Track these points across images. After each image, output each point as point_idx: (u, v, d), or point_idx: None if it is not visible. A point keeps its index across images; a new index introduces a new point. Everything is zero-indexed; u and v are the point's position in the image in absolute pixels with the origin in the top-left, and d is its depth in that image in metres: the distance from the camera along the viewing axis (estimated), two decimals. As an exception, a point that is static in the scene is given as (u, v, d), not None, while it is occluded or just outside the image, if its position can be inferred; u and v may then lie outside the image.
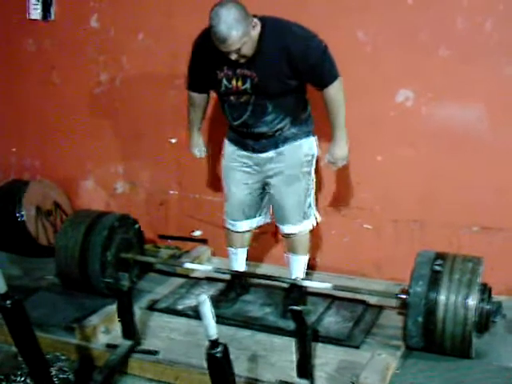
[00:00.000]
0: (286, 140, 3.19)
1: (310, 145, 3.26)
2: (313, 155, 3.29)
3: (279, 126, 3.14)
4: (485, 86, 3.50)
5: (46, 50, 4.65)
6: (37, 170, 4.94)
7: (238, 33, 2.75)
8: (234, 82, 3.03)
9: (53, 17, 4.54)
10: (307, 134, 3.25)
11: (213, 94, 3.31)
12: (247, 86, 3.01)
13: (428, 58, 3.56)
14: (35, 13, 4.55)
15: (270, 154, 3.21)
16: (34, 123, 4.85)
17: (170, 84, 4.12)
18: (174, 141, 4.34)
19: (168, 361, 2.94)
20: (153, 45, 4.25)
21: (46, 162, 4.91)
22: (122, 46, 4.39)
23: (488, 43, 3.43)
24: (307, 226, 3.39)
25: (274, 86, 3.00)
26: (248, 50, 2.87)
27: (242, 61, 2.93)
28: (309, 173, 3.30)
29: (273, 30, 2.93)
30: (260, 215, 3.50)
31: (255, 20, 2.87)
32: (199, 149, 3.57)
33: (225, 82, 3.05)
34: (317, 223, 3.45)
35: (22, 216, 4.34)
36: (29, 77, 4.77)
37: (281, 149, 3.20)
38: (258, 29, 2.89)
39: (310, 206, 3.36)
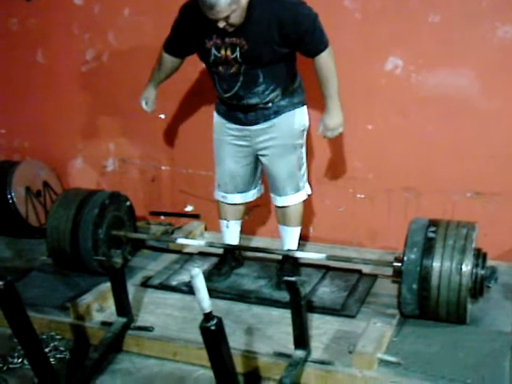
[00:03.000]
0: (276, 112, 3.15)
1: (301, 115, 3.23)
2: (305, 125, 3.26)
3: (270, 97, 3.10)
4: (476, 51, 3.46)
5: (30, 29, 4.60)
6: (26, 150, 4.91)
7: (226, 0, 2.70)
8: (222, 52, 2.98)
9: (35, -5, 4.48)
10: (298, 105, 3.21)
11: (203, 66, 3.26)
12: (236, 54, 2.95)
13: (417, 25, 3.52)
14: (18, -8, 4.49)
15: (261, 125, 3.18)
16: (21, 104, 4.81)
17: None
18: (163, 116, 4.30)
19: (166, 337, 2.93)
20: (139, 20, 4.20)
21: (34, 143, 4.88)
22: (107, 23, 4.33)
23: (478, 7, 3.39)
24: (301, 197, 3.38)
25: (263, 54, 2.95)
26: (237, 18, 2.80)
27: (231, 30, 2.86)
28: (301, 144, 3.28)
29: None
30: (255, 188, 3.49)
31: None
32: (147, 102, 3.51)
33: (214, 51, 3.00)
34: (309, 195, 3.44)
35: (12, 197, 4.31)
36: (14, 57, 4.72)
37: (272, 120, 3.16)
38: None
39: (303, 177, 3.35)
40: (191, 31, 3.06)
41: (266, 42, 2.92)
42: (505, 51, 3.40)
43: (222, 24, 2.80)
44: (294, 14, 2.87)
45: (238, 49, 2.94)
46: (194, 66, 3.58)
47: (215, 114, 3.36)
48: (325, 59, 2.99)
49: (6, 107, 4.87)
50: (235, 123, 3.24)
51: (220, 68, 3.06)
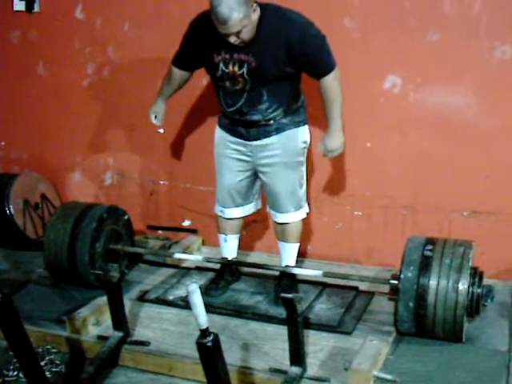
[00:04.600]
0: (278, 129, 3.17)
1: (303, 133, 3.25)
2: (306, 144, 3.27)
3: (273, 115, 3.12)
4: (474, 70, 3.49)
5: (31, 42, 4.62)
6: (25, 162, 4.91)
7: (239, 15, 2.71)
8: (230, 67, 3.00)
9: (38, 8, 4.50)
10: (300, 124, 3.22)
11: (203, 83, 3.28)
12: (244, 70, 2.97)
13: (416, 44, 3.54)
14: (20, 4, 4.50)
15: (262, 142, 3.19)
16: (21, 116, 4.81)
17: (157, 74, 4.07)
18: (162, 131, 4.31)
19: (161, 352, 2.93)
20: (140, 34, 4.22)
21: (33, 155, 4.88)
22: (108, 37, 4.35)
23: (477, 27, 3.41)
24: (301, 215, 3.38)
25: (270, 72, 2.98)
26: (247, 33, 2.83)
27: (241, 45, 2.89)
28: (302, 162, 3.29)
29: (272, 16, 2.90)
30: (252, 202, 3.49)
31: (255, 4, 2.84)
32: (157, 116, 3.55)
33: (222, 66, 3.02)
34: (307, 213, 3.44)
35: (10, 209, 4.31)
36: (15, 69, 4.74)
37: (273, 137, 3.17)
38: (258, 13, 2.86)
39: (303, 195, 3.36)
40: (200, 45, 3.09)
41: (273, 61, 2.94)
42: (503, 71, 3.43)
43: (233, 39, 2.83)
44: (303, 35, 2.89)
45: (245, 65, 2.97)
46: (193, 81, 3.59)
47: (217, 128, 3.37)
48: (330, 81, 3.01)
49: (6, 119, 4.88)
50: (237, 137, 3.25)
51: (226, 83, 3.08)
